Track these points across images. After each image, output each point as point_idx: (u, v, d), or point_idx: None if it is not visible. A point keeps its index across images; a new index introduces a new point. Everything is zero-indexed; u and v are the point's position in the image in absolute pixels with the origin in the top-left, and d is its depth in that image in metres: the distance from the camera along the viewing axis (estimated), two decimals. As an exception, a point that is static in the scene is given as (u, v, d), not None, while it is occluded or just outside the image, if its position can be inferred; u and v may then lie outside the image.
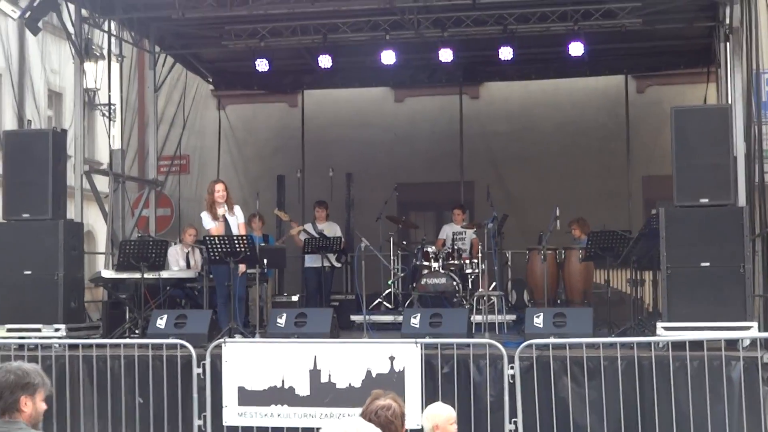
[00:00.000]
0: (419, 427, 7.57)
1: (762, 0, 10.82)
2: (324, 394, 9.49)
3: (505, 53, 14.34)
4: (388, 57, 14.48)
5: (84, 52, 13.54)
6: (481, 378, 9.93)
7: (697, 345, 9.62)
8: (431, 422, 6.59)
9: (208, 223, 12.63)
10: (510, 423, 9.54)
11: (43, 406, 4.55)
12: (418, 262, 13.41)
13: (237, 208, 13.01)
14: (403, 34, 13.97)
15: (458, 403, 9.72)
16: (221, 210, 12.51)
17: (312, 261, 14.21)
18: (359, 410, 9.78)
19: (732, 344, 9.74)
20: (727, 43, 11.64)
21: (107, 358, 10.58)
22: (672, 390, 9.51)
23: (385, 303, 13.36)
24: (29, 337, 10.90)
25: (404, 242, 14.35)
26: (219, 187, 12.66)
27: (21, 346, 10.77)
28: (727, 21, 11.40)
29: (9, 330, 11.03)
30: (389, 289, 13.69)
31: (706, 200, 10.13)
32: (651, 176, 13.17)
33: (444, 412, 6.76)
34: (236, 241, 12.17)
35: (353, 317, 12.67)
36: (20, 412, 4.98)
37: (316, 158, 15.86)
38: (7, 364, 5.81)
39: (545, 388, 9.72)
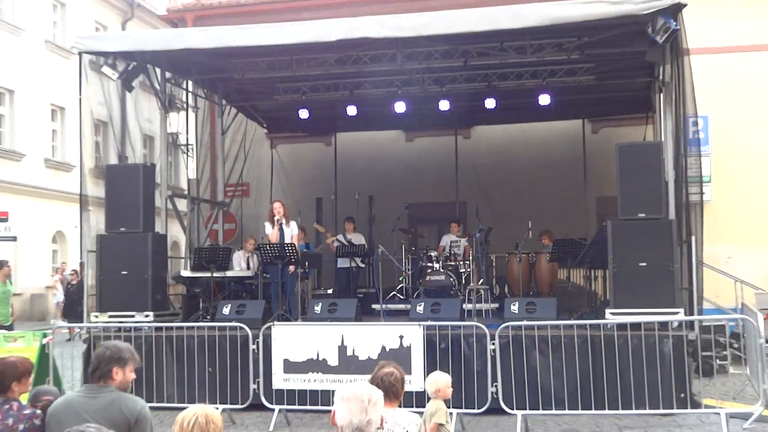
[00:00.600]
0: (423, 390, 7.56)
1: (686, 60, 10.78)
2: (349, 364, 9.47)
3: (490, 103, 14.43)
4: (400, 107, 14.58)
5: (168, 104, 13.61)
6: (470, 352, 9.92)
7: (636, 326, 9.63)
8: (433, 386, 6.59)
9: (268, 229, 12.88)
10: (492, 386, 9.50)
11: (132, 376, 4.59)
12: (423, 263, 13.46)
13: (293, 223, 13.21)
14: (411, 89, 14.00)
15: (452, 371, 9.61)
16: (276, 219, 12.64)
17: (342, 263, 14.24)
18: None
19: (664, 326, 9.75)
20: (661, 94, 11.71)
21: (184, 338, 10.60)
22: (617, 361, 9.49)
23: (398, 294, 13.33)
24: (126, 322, 10.93)
25: (413, 248, 14.39)
26: (277, 204, 12.98)
27: (119, 329, 10.81)
28: (661, 77, 11.43)
29: (111, 316, 11.11)
30: (401, 284, 13.68)
31: (644, 215, 10.10)
32: (603, 197, 13.15)
33: (443, 378, 6.76)
34: (285, 249, 12.22)
35: (373, 305, 12.66)
36: (112, 379, 4.98)
37: (346, 185, 15.87)
38: (106, 342, 5.84)
39: (519, 360, 9.71)
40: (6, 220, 22.63)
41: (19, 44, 24.33)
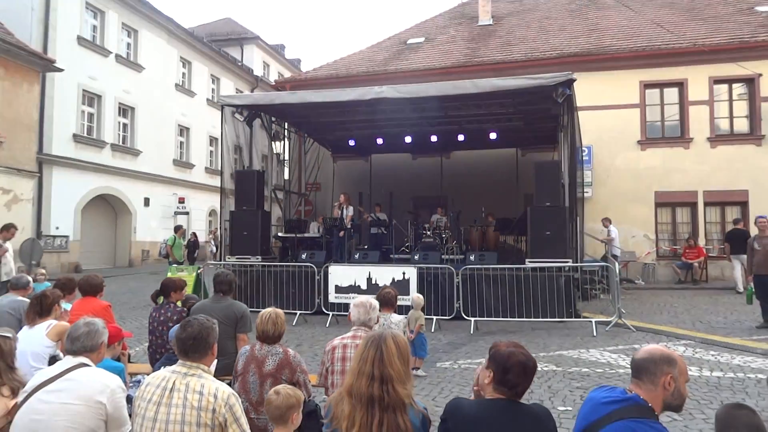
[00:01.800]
0: (410, 303, 7.43)
1: (576, 113, 10.59)
2: (374, 289, 9.25)
3: (461, 137, 14.20)
4: (408, 139, 14.40)
5: (273, 136, 13.59)
6: (444, 282, 9.78)
7: (542, 269, 9.43)
8: (415, 301, 6.51)
9: (335, 210, 12.78)
10: (456, 303, 9.40)
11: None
12: (420, 232, 13.25)
13: (351, 207, 13.11)
14: (414, 128, 13.91)
15: (433, 294, 9.60)
16: (341, 203, 12.68)
17: (374, 230, 14.12)
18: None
19: (559, 269, 9.50)
20: (561, 133, 11.37)
21: (279, 271, 10.59)
22: (531, 289, 9.32)
23: (405, 249, 13.15)
24: (244, 261, 10.92)
25: (415, 222, 14.03)
26: (342, 197, 12.87)
27: (242, 265, 10.83)
28: (562, 123, 11.12)
29: (237, 258, 11.08)
30: (407, 243, 13.49)
31: (549, 204, 9.87)
32: (527, 193, 12.88)
33: (419, 297, 6.69)
34: (338, 222, 12.17)
35: (391, 255, 12.45)
36: (227, 292, 4.92)
37: (376, 185, 15.75)
38: (223, 270, 5.71)
39: (473, 287, 9.56)
40: (183, 202, 22.91)
41: (194, 102, 24.54)
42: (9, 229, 8.48)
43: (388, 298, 4.91)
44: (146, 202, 21.68)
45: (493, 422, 2.07)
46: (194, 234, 18.27)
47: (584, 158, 15.41)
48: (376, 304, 3.74)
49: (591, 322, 8.77)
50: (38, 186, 16.59)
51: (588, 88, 15.08)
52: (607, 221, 14.22)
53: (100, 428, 2.69)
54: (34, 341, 4.06)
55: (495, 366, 2.15)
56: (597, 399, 2.22)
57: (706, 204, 15.25)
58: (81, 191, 18.58)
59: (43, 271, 8.67)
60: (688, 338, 8.04)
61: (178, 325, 3.16)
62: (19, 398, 2.75)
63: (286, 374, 3.45)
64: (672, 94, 15.74)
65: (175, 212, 22.69)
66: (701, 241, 14.93)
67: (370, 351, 2.24)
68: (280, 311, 3.70)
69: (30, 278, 5.98)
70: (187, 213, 23.05)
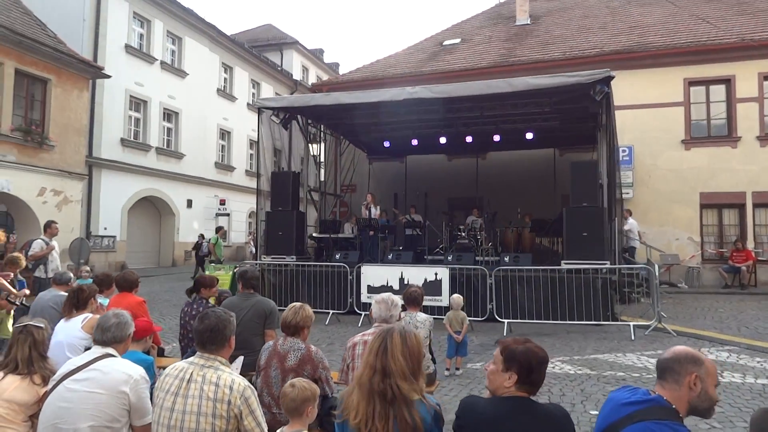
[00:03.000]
0: (446, 305, 7.35)
1: (615, 113, 10.27)
2: (405, 288, 9.31)
3: (497, 138, 13.97)
4: (443, 140, 14.24)
5: (309, 138, 13.72)
6: (478, 284, 9.65)
7: (578, 271, 9.17)
8: (456, 301, 6.43)
9: (363, 210, 12.72)
10: (489, 304, 9.25)
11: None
12: (455, 233, 13.08)
13: (377, 207, 13.11)
14: (449, 129, 13.74)
15: (466, 295, 9.40)
16: (368, 203, 12.65)
17: (408, 231, 14.08)
18: (425, 297, 9.51)
19: (596, 271, 9.22)
20: (600, 131, 11.01)
21: (313, 271, 10.65)
22: (566, 291, 9.07)
23: (439, 250, 13.01)
24: (280, 260, 11.03)
25: (450, 224, 13.84)
26: (368, 196, 13.01)
27: (278, 265, 10.96)
28: (601, 121, 10.77)
29: (272, 257, 11.20)
30: (441, 245, 13.34)
31: (586, 204, 9.62)
32: (564, 194, 12.38)
33: (459, 297, 6.60)
34: (371, 222, 12.17)
35: (425, 256, 12.35)
36: (255, 288, 4.97)
37: (411, 186, 15.58)
38: (250, 268, 5.76)
39: (506, 289, 9.39)
40: (224, 204, 23.39)
41: (235, 106, 25.02)
42: (51, 226, 8.82)
43: (415, 297, 4.85)
44: (189, 203, 22.24)
45: (510, 422, 2.00)
46: (201, 236, 18.03)
47: (625, 158, 15.00)
48: (397, 301, 3.70)
49: (629, 325, 8.48)
50: (87, 188, 17.25)
51: (629, 87, 14.66)
52: (627, 212, 13.76)
53: (123, 417, 2.75)
54: (70, 333, 4.20)
55: (518, 366, 2.07)
56: (618, 399, 2.12)
57: (755, 205, 14.54)
58: (127, 193, 19.22)
59: (88, 268, 8.98)
60: (732, 344, 7.66)
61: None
62: (49, 386, 2.83)
63: (308, 370, 3.45)
64: (718, 92, 15.09)
65: (216, 213, 23.18)
66: (750, 244, 14.25)
67: (375, 343, 2.23)
68: (306, 305, 3.70)
69: (72, 275, 6.20)
70: (227, 214, 23.51)
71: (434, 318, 5.27)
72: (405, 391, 2.11)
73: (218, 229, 15.50)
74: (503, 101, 11.62)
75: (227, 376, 2.57)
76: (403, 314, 4.80)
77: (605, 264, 9.31)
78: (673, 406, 2.00)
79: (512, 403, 2.05)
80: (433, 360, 4.74)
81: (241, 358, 3.94)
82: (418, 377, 2.21)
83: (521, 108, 11.97)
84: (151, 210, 21.26)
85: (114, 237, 18.65)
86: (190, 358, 2.69)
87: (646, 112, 14.99)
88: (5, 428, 2.83)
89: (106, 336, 2.91)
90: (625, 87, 14.58)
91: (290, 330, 3.48)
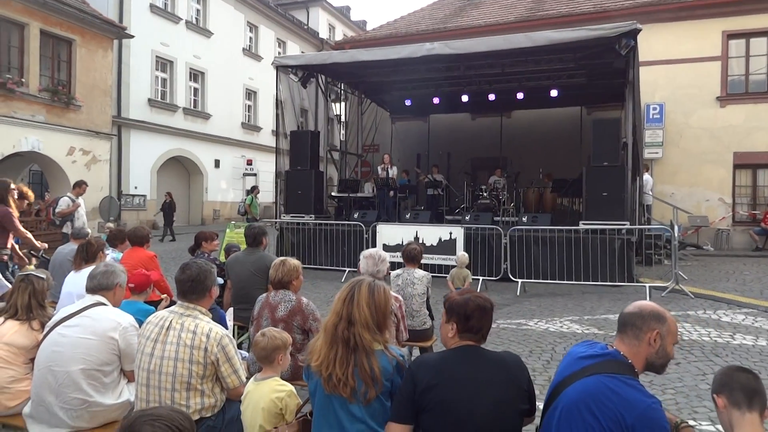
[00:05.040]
0: (455, 263, 7.34)
1: (646, 69, 9.83)
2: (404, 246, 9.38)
3: (520, 96, 13.56)
4: (465, 98, 13.89)
5: (329, 96, 13.62)
6: (493, 244, 9.62)
7: (597, 231, 9.02)
8: (460, 259, 6.43)
9: (380, 171, 12.69)
10: (504, 264, 9.22)
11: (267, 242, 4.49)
12: (477, 193, 12.94)
13: (394, 168, 13.01)
14: (471, 87, 13.44)
15: (481, 255, 9.46)
16: (385, 164, 12.60)
17: (430, 191, 13.97)
18: (437, 256, 9.52)
19: (615, 231, 9.05)
20: (627, 89, 10.56)
21: (331, 229, 10.76)
22: (583, 251, 8.96)
23: (461, 210, 12.91)
24: (299, 219, 11.17)
25: (472, 183, 13.68)
26: (385, 156, 12.85)
27: (298, 223, 11.10)
28: (629, 77, 10.31)
29: (292, 216, 11.35)
30: (463, 205, 13.24)
31: (607, 163, 9.37)
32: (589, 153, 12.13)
33: (464, 255, 6.60)
34: (389, 182, 12.14)
35: (446, 216, 12.28)
36: (261, 244, 5.04)
37: (434, 146, 15.49)
38: (257, 223, 5.85)
39: (521, 249, 9.32)
40: (251, 164, 23.63)
41: (260, 66, 24.87)
42: (81, 186, 9.07)
43: (414, 254, 4.85)
44: (216, 163, 22.55)
45: (457, 366, 2.02)
46: (169, 194, 17.60)
47: (655, 117, 14.46)
48: (385, 256, 3.72)
49: (645, 287, 8.34)
50: (117, 148, 17.64)
51: (662, 41, 14.01)
52: (643, 168, 13.37)
53: (113, 362, 2.88)
54: (79, 284, 4.34)
55: (455, 316, 2.09)
56: (576, 353, 2.11)
57: (793, 166, 13.93)
58: (156, 153, 19.57)
59: (111, 225, 9.26)
60: (750, 306, 7.48)
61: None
62: (44, 332, 2.98)
63: (297, 321, 3.52)
64: (760, 45, 14.25)
65: (243, 173, 23.47)
66: (785, 206, 13.71)
67: (344, 292, 2.27)
68: (288, 259, 3.73)
69: (89, 230, 6.43)
70: (254, 174, 23.76)
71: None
72: (367, 341, 2.15)
73: (252, 189, 15.82)
74: (525, 57, 11.25)
75: (205, 324, 2.65)
76: (400, 270, 4.84)
77: (624, 224, 9.11)
78: (630, 361, 1.98)
79: (460, 352, 2.07)
80: (431, 316, 4.77)
81: (231, 309, 4.05)
82: (382, 330, 2.25)
83: (545, 64, 11.59)
84: (180, 170, 21.65)
85: (144, 196, 19.13)
86: (172, 307, 2.78)
87: (680, 67, 14.31)
88: (6, 369, 3.01)
89: (92, 283, 3.03)
90: (658, 41, 13.93)
91: (278, 286, 3.55)
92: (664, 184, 14.53)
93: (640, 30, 9.01)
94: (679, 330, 4.62)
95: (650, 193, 13.01)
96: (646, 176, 13.28)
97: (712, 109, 14.33)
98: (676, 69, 14.28)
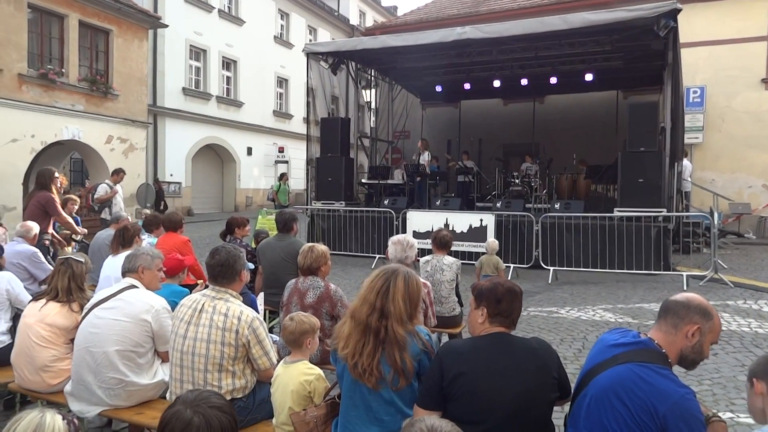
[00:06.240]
0: (486, 251, 7.25)
1: (687, 51, 9.46)
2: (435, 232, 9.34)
3: (553, 80, 13.26)
4: (497, 83, 13.60)
5: (359, 83, 13.58)
6: (524, 231, 9.48)
7: (631, 219, 8.80)
8: (490, 246, 6.37)
9: (415, 155, 12.72)
10: (535, 251, 9.09)
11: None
12: (509, 180, 12.76)
13: (427, 153, 12.95)
14: (503, 72, 13.14)
15: (512, 242, 9.36)
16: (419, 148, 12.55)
17: (460, 178, 13.82)
18: (467, 243, 9.47)
19: (650, 219, 8.82)
20: (666, 71, 10.19)
21: (361, 216, 10.78)
22: (617, 239, 8.76)
23: (493, 197, 12.74)
24: (329, 206, 11.22)
25: (504, 170, 13.44)
26: (420, 142, 12.97)
27: (328, 210, 11.17)
28: (668, 59, 9.95)
29: (322, 203, 11.42)
30: (493, 192, 13.07)
31: (643, 149, 9.10)
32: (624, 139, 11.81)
33: (494, 242, 6.55)
34: (419, 168, 12.07)
35: (476, 204, 12.14)
36: (292, 230, 5.08)
37: (465, 132, 15.28)
38: (288, 209, 5.88)
39: (553, 236, 9.20)
40: (283, 151, 23.85)
41: (292, 53, 24.93)
42: (119, 173, 9.33)
43: (445, 241, 4.83)
44: (249, 151, 22.82)
45: (486, 353, 2.00)
46: (157, 182, 17.67)
47: (696, 100, 13.97)
48: (413, 241, 3.71)
49: (682, 275, 8.12)
50: (153, 136, 18.02)
51: (703, 21, 13.48)
52: (681, 153, 12.93)
53: (147, 343, 2.97)
54: (117, 268, 4.46)
55: (485, 301, 2.07)
56: (607, 341, 2.06)
57: (843, 150, 13.28)
58: (190, 141, 19.92)
59: (148, 211, 9.49)
60: (794, 297, 7.20)
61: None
62: (83, 314, 3.09)
63: (326, 307, 3.55)
64: (809, 24, 13.58)
65: (275, 161, 23.72)
66: (834, 193, 13.12)
67: (378, 282, 2.24)
68: (316, 245, 3.75)
69: (126, 215, 6.61)
70: (286, 162, 23.99)
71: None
72: (400, 335, 2.13)
73: (281, 176, 15.99)
74: (559, 40, 10.93)
75: (236, 307, 2.69)
76: (429, 257, 4.82)
77: (661, 212, 8.86)
78: (663, 350, 1.93)
79: (489, 338, 2.05)
80: (460, 303, 4.75)
81: (262, 294, 4.11)
82: (413, 319, 2.24)
83: (579, 47, 11.26)
84: (214, 157, 22.01)
85: (180, 183, 19.53)
86: (204, 290, 2.83)
87: (723, 48, 13.74)
88: (48, 348, 3.13)
89: (123, 267, 3.15)
90: (700, 21, 13.40)
91: (307, 272, 3.58)
92: (704, 170, 14.06)
93: (680, 10, 8.67)
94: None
95: (689, 179, 12.59)
96: (685, 162, 12.86)
97: (757, 91, 13.75)
98: (718, 50, 13.73)
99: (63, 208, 6.38)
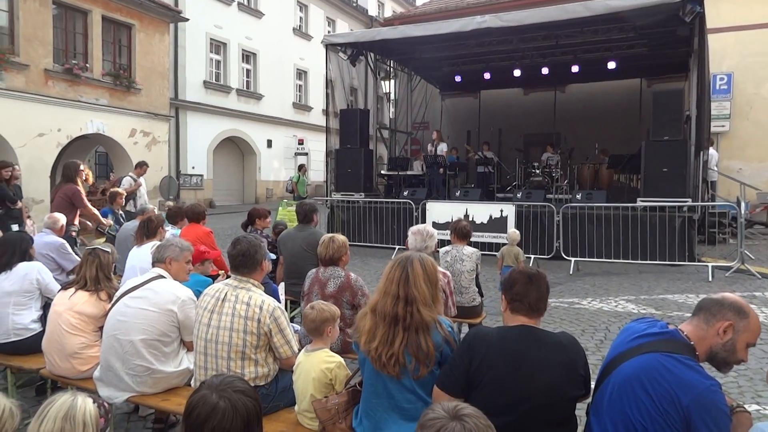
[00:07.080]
0: (506, 241, 7.21)
1: (713, 37, 9.22)
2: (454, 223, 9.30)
3: (575, 69, 13.08)
4: (517, 72, 13.50)
5: (378, 74, 13.54)
6: (545, 221, 9.41)
7: (655, 209, 8.66)
8: (511, 237, 6.34)
9: (429, 147, 12.58)
10: (556, 242, 9.01)
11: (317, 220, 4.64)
12: (530, 170, 12.64)
13: (443, 144, 12.87)
14: (524, 61, 13.00)
15: (532, 233, 9.28)
16: (434, 140, 12.48)
17: (480, 169, 13.73)
18: (487, 233, 9.44)
19: (675, 209, 8.66)
20: (691, 58, 9.96)
21: (381, 207, 10.79)
22: (640, 229, 8.64)
23: (513, 188, 12.62)
24: (348, 197, 11.23)
25: (524, 160, 13.31)
26: (434, 133, 12.74)
27: (348, 201, 11.19)
28: (694, 46, 9.72)
29: (342, 194, 11.42)
30: (515, 182, 12.96)
31: (668, 137, 8.91)
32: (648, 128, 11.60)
33: (515, 232, 6.50)
34: (437, 159, 12.02)
35: (496, 194, 12.07)
36: (312, 221, 5.11)
37: (485, 122, 15.15)
38: (308, 201, 5.93)
39: (574, 227, 9.10)
40: (302, 143, 23.92)
41: (311, 45, 24.97)
42: (142, 166, 9.47)
43: (465, 231, 4.81)
44: (269, 143, 22.96)
45: (515, 344, 2.00)
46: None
47: (722, 87, 13.65)
48: (433, 231, 3.70)
49: (707, 266, 7.97)
50: (175, 129, 18.24)
51: (730, 6, 13.15)
52: (707, 142, 12.65)
53: (173, 332, 3.03)
54: (141, 258, 4.57)
55: (504, 289, 2.07)
56: (633, 331, 2.04)
57: None
58: (212, 134, 20.12)
59: (171, 203, 9.62)
60: (824, 288, 7.03)
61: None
62: (111, 302, 3.16)
63: (347, 296, 3.57)
64: (842, 7, 13.16)
65: (295, 153, 23.80)
66: None
67: (396, 272, 2.25)
68: (336, 235, 3.77)
69: (152, 207, 6.72)
70: (306, 154, 24.07)
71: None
72: (426, 317, 2.15)
73: (300, 168, 16.08)
74: (581, 27, 10.77)
75: (258, 297, 2.73)
76: (449, 247, 4.81)
77: (686, 201, 8.70)
78: (692, 342, 1.90)
79: (518, 330, 2.04)
80: (480, 293, 4.74)
81: (283, 284, 4.15)
82: (436, 302, 2.25)
83: (602, 34, 11.07)
84: (234, 150, 22.20)
85: (201, 176, 19.76)
86: (226, 280, 2.87)
87: (751, 33, 13.40)
88: (77, 336, 3.21)
89: (153, 257, 3.21)
90: (727, 6, 13.06)
91: (328, 263, 3.61)
92: (731, 159, 13.76)
93: (706, -6, 8.46)
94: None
95: (715, 168, 12.33)
96: (711, 151, 12.59)
97: (787, 78, 13.39)
98: (746, 36, 13.39)
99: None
